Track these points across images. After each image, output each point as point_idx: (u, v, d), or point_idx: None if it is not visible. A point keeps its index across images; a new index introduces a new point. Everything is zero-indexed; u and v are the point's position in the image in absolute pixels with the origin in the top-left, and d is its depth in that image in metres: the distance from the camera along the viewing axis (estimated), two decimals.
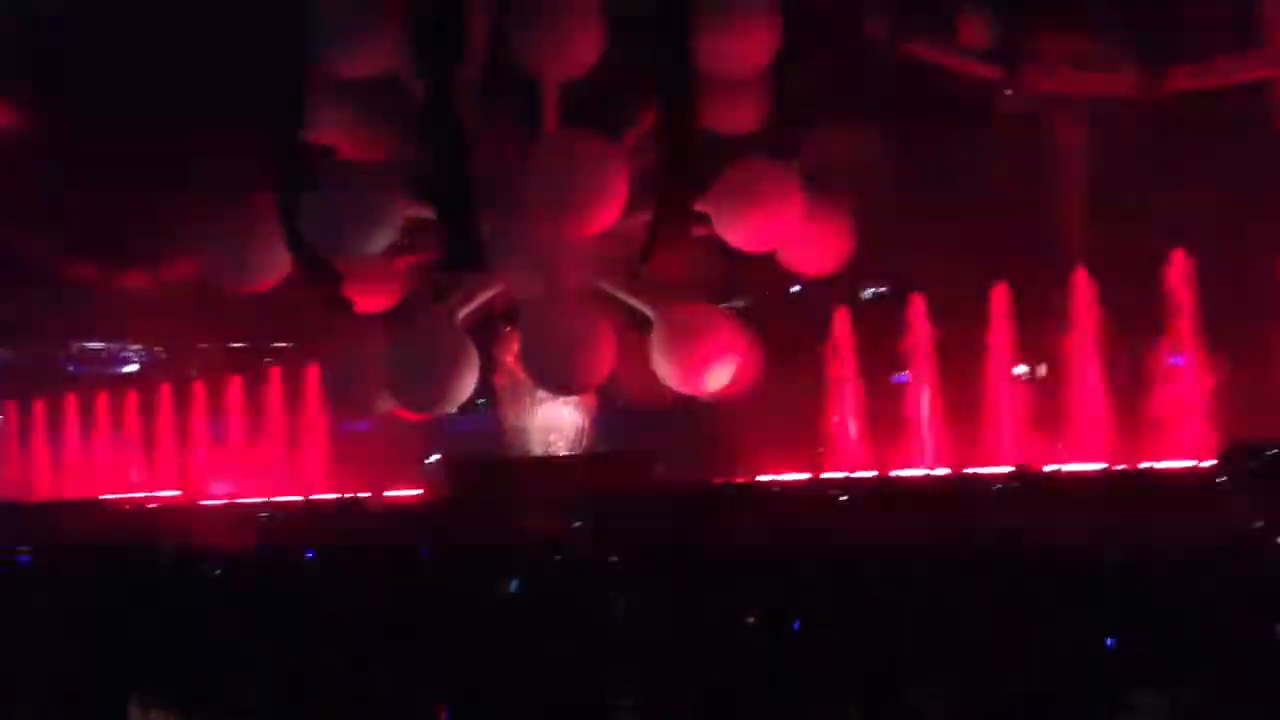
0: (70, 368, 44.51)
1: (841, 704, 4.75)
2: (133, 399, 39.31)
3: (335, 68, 19.68)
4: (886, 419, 30.81)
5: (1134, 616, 7.58)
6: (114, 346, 45.02)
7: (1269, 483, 19.53)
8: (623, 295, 21.65)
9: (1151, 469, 24.98)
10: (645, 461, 28.76)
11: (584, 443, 28.59)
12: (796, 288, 30.85)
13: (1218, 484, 20.88)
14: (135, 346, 44.72)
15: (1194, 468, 24.02)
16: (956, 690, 5.61)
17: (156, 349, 44.32)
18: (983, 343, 28.89)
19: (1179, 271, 26.82)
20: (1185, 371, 27.40)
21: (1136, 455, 26.07)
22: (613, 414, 29.39)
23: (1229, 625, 7.26)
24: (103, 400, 39.96)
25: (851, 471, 28.97)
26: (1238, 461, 21.84)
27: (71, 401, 40.33)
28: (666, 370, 19.91)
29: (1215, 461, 23.19)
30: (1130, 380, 27.49)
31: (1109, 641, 6.60)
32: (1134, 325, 27.41)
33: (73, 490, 39.28)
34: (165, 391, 38.89)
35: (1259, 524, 14.94)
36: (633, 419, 30.88)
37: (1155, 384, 27.19)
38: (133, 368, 45.36)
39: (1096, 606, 7.84)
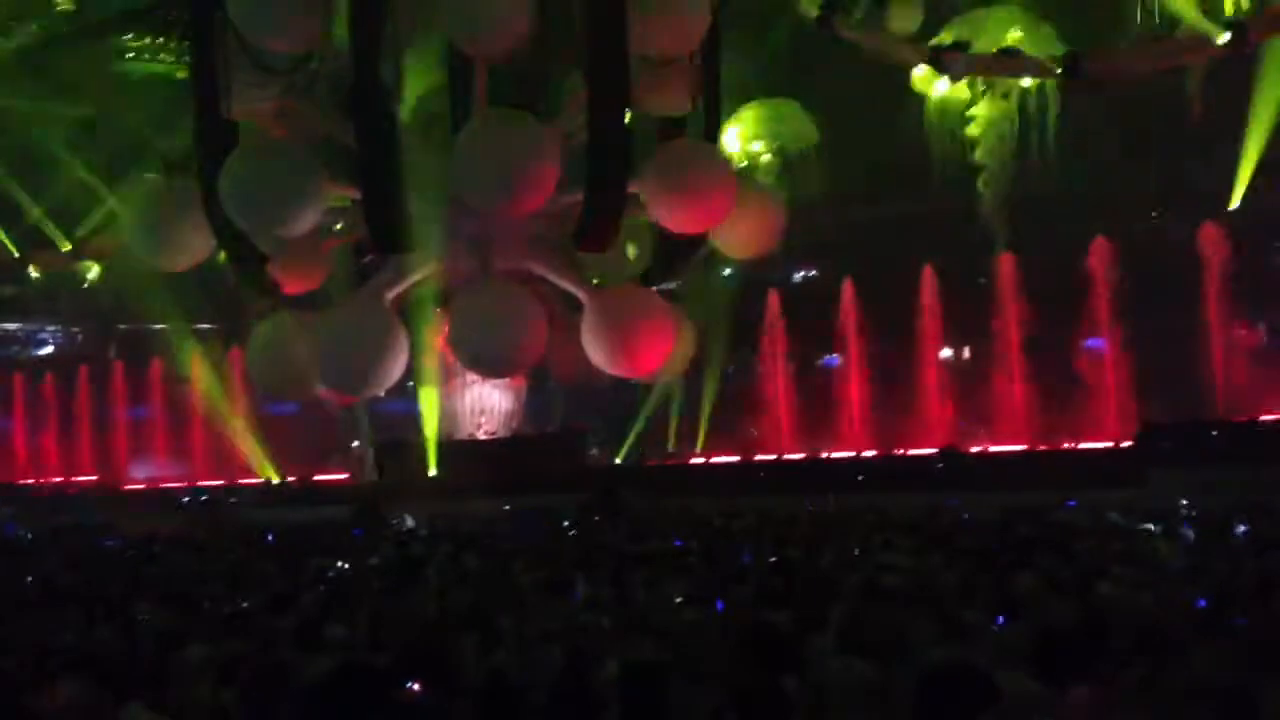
0: None
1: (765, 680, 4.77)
2: (49, 382, 38.33)
3: (260, 42, 19.22)
4: (818, 400, 31.15)
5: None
6: (30, 327, 43.81)
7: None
8: (554, 277, 21.48)
9: (1072, 448, 25.55)
10: (576, 443, 28.75)
11: (513, 425, 28.52)
12: (728, 271, 31.01)
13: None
14: (52, 328, 43.58)
15: (1113, 447, 24.61)
16: (882, 666, 5.67)
17: (74, 330, 43.25)
18: (911, 325, 29.27)
19: (1100, 257, 27.41)
20: (1105, 354, 28.03)
21: (1058, 436, 26.65)
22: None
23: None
24: (18, 383, 38.90)
25: (781, 453, 29.26)
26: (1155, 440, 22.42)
27: None
28: (599, 353, 19.78)
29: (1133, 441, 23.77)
30: (1053, 362, 28.05)
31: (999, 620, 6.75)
32: (1057, 309, 27.94)
33: None
34: (83, 374, 37.95)
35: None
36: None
37: (1076, 366, 27.79)
38: (48, 350, 44.20)
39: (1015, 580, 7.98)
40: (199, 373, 34.10)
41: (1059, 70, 24.70)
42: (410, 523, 19.00)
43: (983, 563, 9.16)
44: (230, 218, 16.81)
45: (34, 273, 36.59)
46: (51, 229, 32.93)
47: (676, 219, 16.69)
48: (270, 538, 17.31)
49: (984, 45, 26.21)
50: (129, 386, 37.22)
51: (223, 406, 32.38)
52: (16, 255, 34.67)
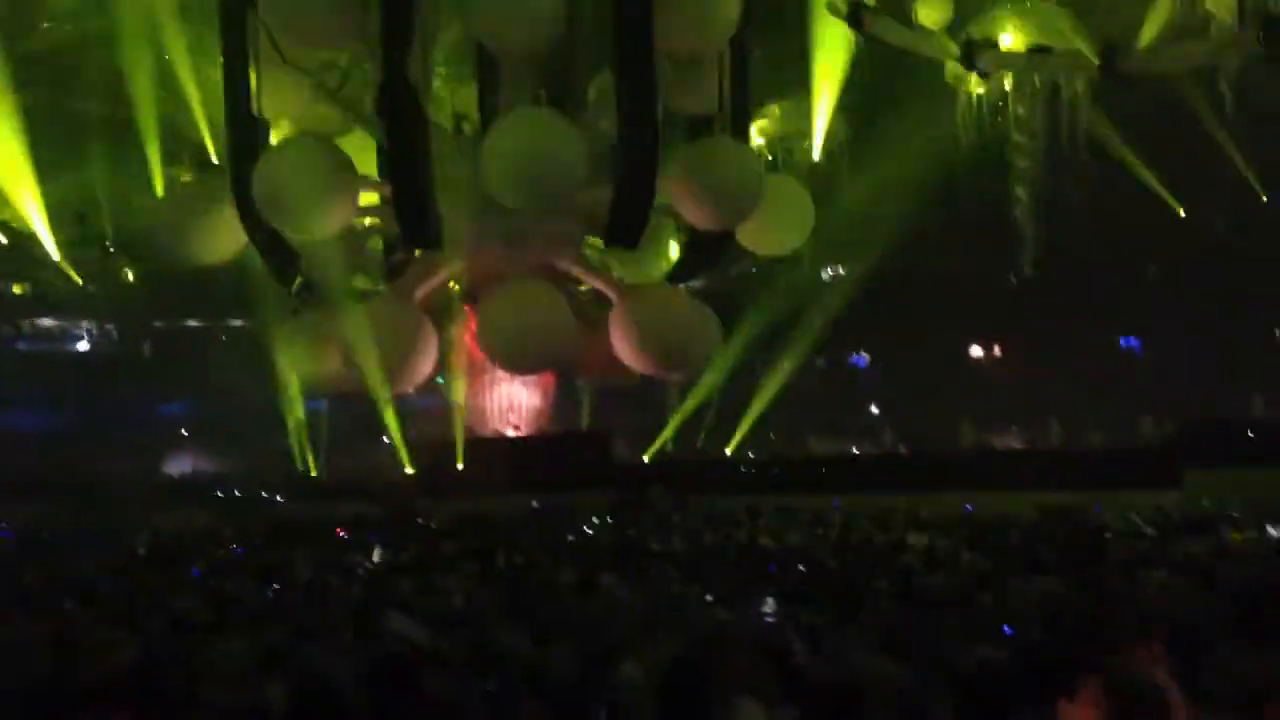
0: (21, 345, 43.71)
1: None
2: (84, 378, 38.76)
3: (290, 41, 19.29)
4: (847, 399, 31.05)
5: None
6: (65, 324, 44.27)
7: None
8: (582, 274, 21.50)
9: (1106, 448, 25.35)
10: (605, 441, 28.76)
11: (542, 422, 28.57)
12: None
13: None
14: (87, 324, 44.01)
15: (1148, 447, 24.39)
16: (905, 665, 5.63)
17: (109, 327, 43.68)
18: (942, 324, 29.13)
19: (1133, 255, 27.21)
20: (1139, 352, 27.80)
21: (1091, 435, 26.42)
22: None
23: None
24: (53, 378, 39.33)
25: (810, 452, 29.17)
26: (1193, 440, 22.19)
27: None
28: (627, 351, 19.79)
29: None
30: (1087, 361, 27.83)
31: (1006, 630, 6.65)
32: (1090, 307, 27.73)
33: None
34: (117, 370, 38.37)
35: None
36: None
37: (1111, 365, 27.60)
38: (83, 346, 44.65)
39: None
40: (234, 369, 34.37)
41: (1095, 67, 24.44)
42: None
43: (1014, 563, 9.09)
44: (262, 215, 16.87)
45: (72, 273, 36.95)
46: (102, 223, 33.12)
47: (704, 216, 16.65)
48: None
49: (1012, 41, 25.96)
50: (163, 383, 37.58)
51: (257, 402, 32.58)
52: (57, 258, 34.80)
